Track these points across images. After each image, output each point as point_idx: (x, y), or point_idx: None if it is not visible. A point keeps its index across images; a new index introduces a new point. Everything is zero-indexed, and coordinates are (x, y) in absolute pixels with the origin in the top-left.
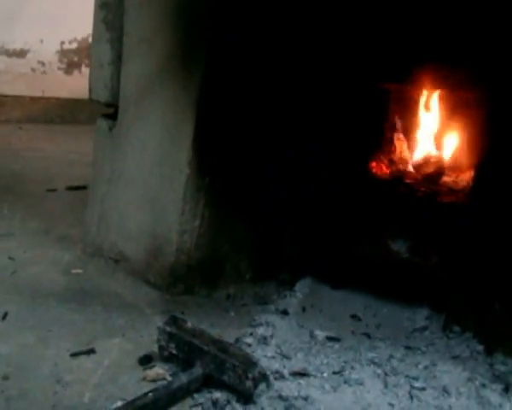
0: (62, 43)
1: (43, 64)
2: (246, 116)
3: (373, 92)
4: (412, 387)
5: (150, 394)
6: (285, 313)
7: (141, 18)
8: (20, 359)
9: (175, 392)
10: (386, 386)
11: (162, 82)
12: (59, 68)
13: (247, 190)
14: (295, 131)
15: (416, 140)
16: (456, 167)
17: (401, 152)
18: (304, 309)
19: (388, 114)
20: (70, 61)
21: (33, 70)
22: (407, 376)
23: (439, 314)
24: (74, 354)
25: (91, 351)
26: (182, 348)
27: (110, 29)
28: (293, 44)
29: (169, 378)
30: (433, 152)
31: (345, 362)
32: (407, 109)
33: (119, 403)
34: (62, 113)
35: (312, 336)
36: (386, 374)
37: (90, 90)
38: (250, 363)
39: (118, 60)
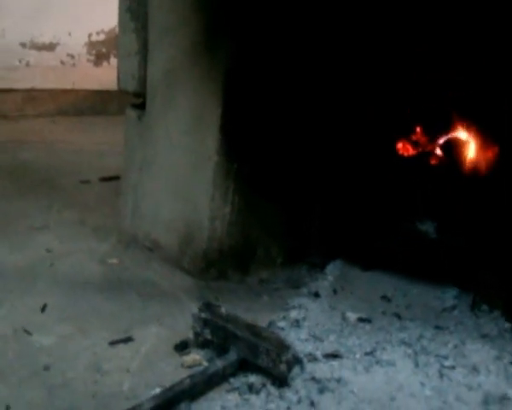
0: (90, 34)
1: (72, 57)
2: (272, 100)
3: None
4: (442, 366)
5: (187, 380)
6: (317, 295)
7: (164, 6)
8: (60, 349)
9: (211, 377)
10: (416, 366)
11: (188, 69)
12: (88, 60)
13: (276, 174)
14: (323, 113)
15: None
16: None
17: (427, 133)
18: (335, 291)
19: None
20: (98, 52)
21: (63, 63)
22: (437, 355)
23: (467, 293)
24: (112, 343)
25: (129, 339)
26: (216, 334)
27: (135, 18)
28: (321, 27)
29: (205, 364)
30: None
31: (376, 343)
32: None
33: (158, 390)
34: (93, 104)
35: (344, 317)
36: (416, 354)
37: (119, 80)
38: (283, 347)
39: (144, 49)
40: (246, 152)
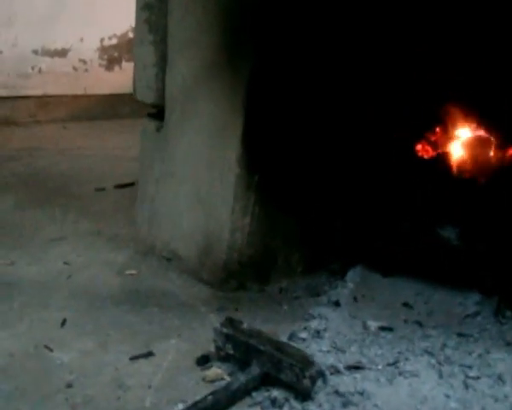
0: (102, 39)
1: (84, 62)
2: (291, 111)
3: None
4: (467, 376)
5: (210, 397)
6: (337, 304)
7: (185, 18)
8: (81, 365)
9: (234, 393)
10: (440, 376)
11: (209, 82)
12: (100, 65)
13: (296, 184)
14: (342, 122)
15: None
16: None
17: (447, 133)
18: (355, 299)
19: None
20: (110, 56)
21: (75, 69)
22: (461, 365)
23: (489, 299)
24: (133, 358)
25: (150, 354)
26: (238, 349)
27: (154, 30)
28: (340, 38)
29: (227, 378)
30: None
31: (399, 353)
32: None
33: (180, 406)
34: (105, 109)
35: (365, 326)
36: (440, 364)
37: (135, 91)
38: (307, 362)
39: (162, 61)
40: (267, 164)
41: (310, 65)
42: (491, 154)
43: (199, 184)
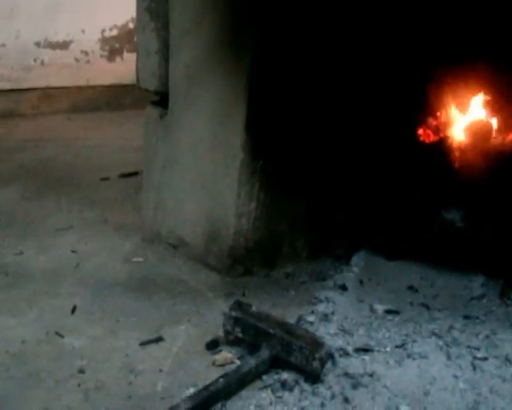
0: (103, 30)
1: (86, 53)
2: (294, 97)
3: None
4: (474, 357)
5: (222, 379)
6: (343, 288)
7: (186, 6)
8: (92, 351)
9: (244, 376)
10: (448, 358)
11: (211, 68)
12: (101, 56)
13: (301, 169)
14: (346, 107)
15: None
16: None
17: (448, 116)
18: (361, 283)
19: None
20: (112, 47)
21: (77, 60)
22: (469, 346)
23: (495, 281)
24: (144, 344)
25: (160, 339)
26: (248, 332)
27: (155, 18)
28: (341, 26)
29: (237, 362)
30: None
31: (406, 335)
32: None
33: (191, 390)
34: (108, 100)
35: (372, 310)
36: (447, 346)
37: (138, 79)
38: (316, 344)
39: (165, 48)
40: (270, 149)
41: (312, 51)
42: (494, 138)
43: (203, 171)
